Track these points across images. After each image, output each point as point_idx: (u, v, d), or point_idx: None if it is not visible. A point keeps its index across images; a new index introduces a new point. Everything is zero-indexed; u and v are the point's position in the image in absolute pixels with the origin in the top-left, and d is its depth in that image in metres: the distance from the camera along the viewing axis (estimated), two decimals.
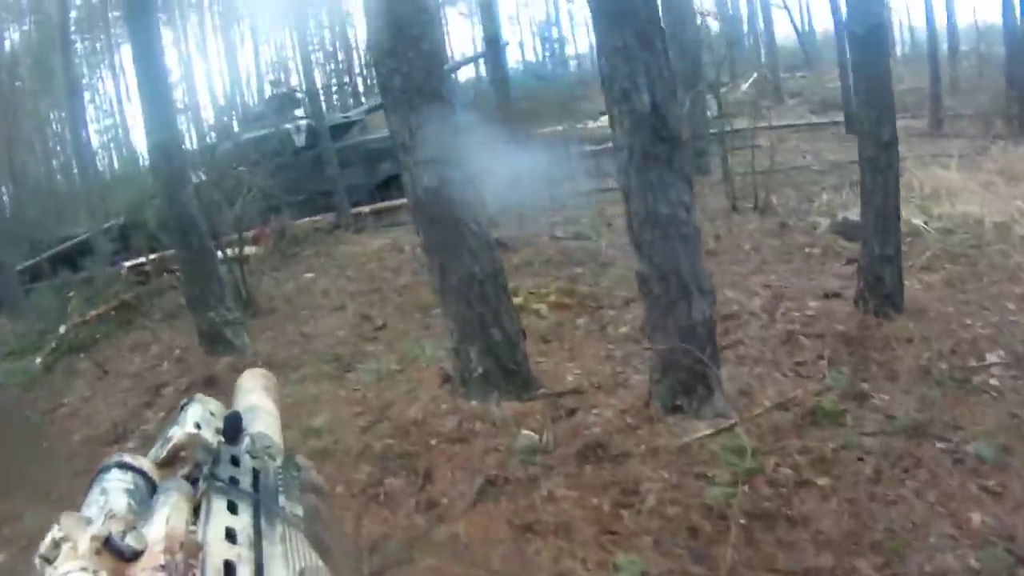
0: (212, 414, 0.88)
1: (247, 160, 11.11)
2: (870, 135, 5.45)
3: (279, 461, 0.85)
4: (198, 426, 0.82)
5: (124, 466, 0.76)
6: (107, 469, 0.75)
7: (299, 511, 0.78)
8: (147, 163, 7.40)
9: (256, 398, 1.06)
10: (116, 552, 0.58)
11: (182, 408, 0.88)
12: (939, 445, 4.45)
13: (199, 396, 0.92)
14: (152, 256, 10.95)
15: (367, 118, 15.53)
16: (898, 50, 24.87)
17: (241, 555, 0.64)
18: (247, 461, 0.81)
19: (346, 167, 13.33)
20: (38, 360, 8.57)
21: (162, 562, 0.59)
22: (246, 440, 0.85)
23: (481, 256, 4.94)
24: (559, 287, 7.78)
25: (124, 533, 0.59)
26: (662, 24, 4.21)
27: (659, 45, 3.99)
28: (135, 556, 0.59)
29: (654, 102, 3.92)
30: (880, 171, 5.47)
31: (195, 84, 29.50)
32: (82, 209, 13.45)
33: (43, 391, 7.94)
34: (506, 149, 10.87)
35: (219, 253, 8.72)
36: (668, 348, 4.15)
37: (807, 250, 8.17)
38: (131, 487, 0.73)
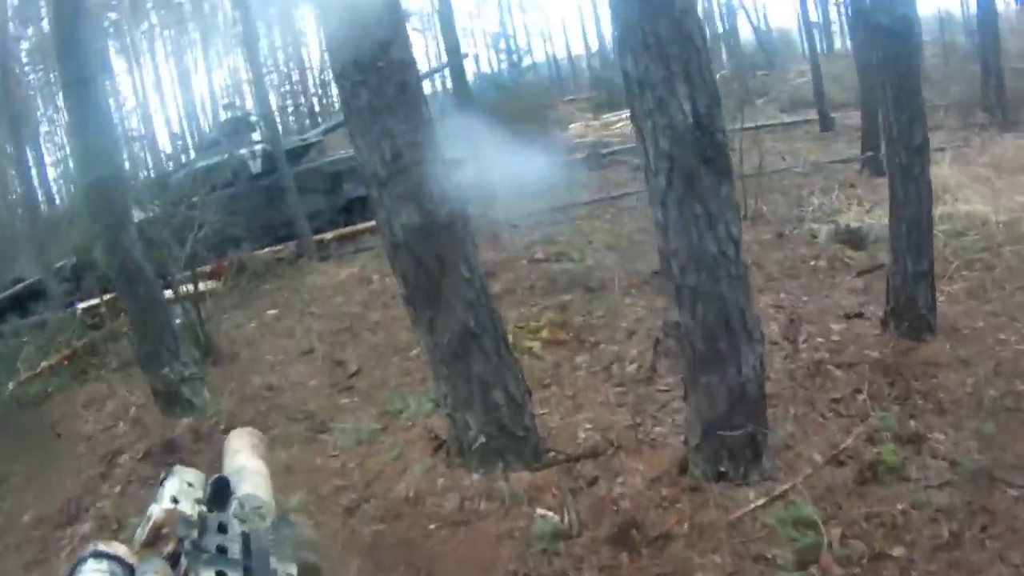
0: (190, 484, 0.88)
1: (201, 190, 10.22)
2: (900, 140, 4.78)
3: (270, 521, 0.84)
4: (175, 500, 0.83)
5: (99, 555, 0.75)
6: (83, 561, 0.75)
7: (293, 572, 0.76)
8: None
9: (244, 458, 1.04)
10: None
11: (161, 483, 0.87)
12: (1011, 492, 3.82)
13: (177, 468, 0.93)
14: (106, 297, 9.96)
15: (324, 139, 14.67)
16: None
17: None
18: (235, 526, 0.80)
19: (306, 192, 12.44)
20: None
21: None
22: (234, 504, 0.86)
23: (478, 307, 4.16)
24: (550, 319, 7.02)
25: None
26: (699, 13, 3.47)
27: (699, 40, 3.23)
28: None
29: (697, 112, 3.16)
30: (912, 179, 4.81)
31: (150, 112, 28.43)
32: (32, 248, 12.38)
33: None
34: (477, 163, 10.18)
35: (171, 293, 7.86)
36: (713, 413, 3.40)
37: (812, 263, 7.51)
38: None
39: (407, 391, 6.04)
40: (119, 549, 0.77)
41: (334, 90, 30.11)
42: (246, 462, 1.05)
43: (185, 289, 8.37)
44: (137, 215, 10.96)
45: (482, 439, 4.10)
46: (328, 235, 12.40)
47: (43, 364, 8.64)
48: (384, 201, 4.05)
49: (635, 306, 7.35)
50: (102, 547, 0.77)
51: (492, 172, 12.48)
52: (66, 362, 8.79)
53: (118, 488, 5.68)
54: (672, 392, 4.97)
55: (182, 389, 6.03)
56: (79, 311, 10.40)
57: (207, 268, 10.87)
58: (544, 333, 6.80)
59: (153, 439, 6.07)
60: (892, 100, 4.74)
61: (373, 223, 13.01)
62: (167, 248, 8.16)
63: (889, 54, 4.76)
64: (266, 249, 11.96)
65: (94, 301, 10.38)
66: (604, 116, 19.68)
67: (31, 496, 6.07)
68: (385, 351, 7.06)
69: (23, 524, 5.67)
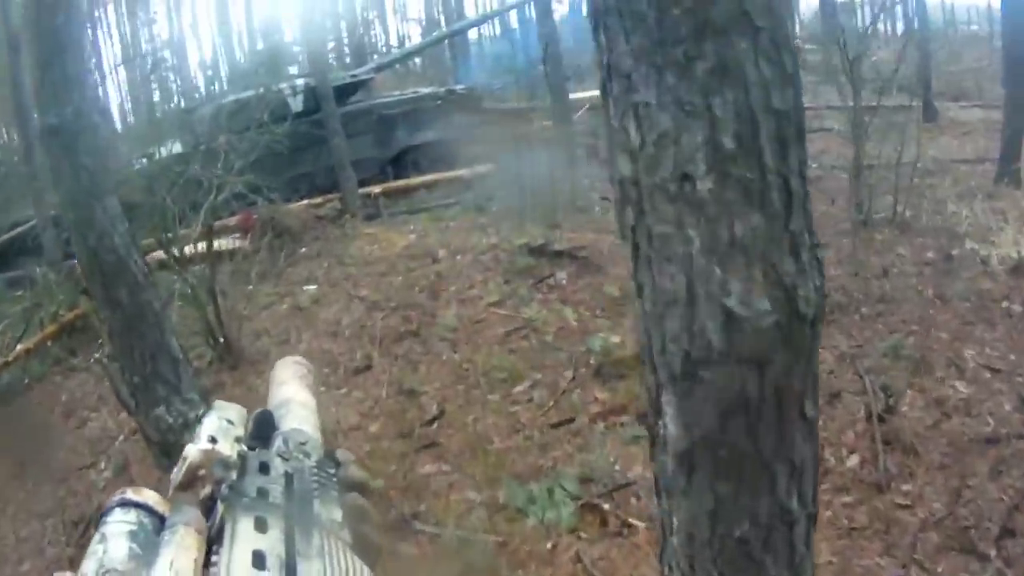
0: (230, 422, 0.74)
1: (230, 128, 7.88)
2: None
3: (315, 459, 0.70)
4: (213, 440, 0.70)
5: (127, 504, 0.64)
6: (109, 511, 0.64)
7: (338, 515, 0.64)
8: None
9: (290, 390, 0.88)
10: None
11: (199, 421, 0.73)
12: None
13: (217, 403, 0.78)
14: None
15: (374, 78, 12.17)
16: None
17: None
18: (278, 465, 0.67)
19: (352, 137, 10.01)
20: None
21: None
22: (278, 441, 0.71)
23: None
24: None
25: None
26: None
27: None
28: None
29: None
30: None
31: (184, 42, 25.67)
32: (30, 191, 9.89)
33: None
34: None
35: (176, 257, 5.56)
36: None
37: (1005, 304, 5.22)
38: (134, 527, 0.62)
39: (523, 464, 3.77)
40: (149, 497, 0.63)
41: (377, 28, 27.37)
42: (292, 394, 0.83)
43: (196, 248, 6.05)
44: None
45: None
46: (376, 189, 10.02)
47: (20, 347, 6.33)
48: None
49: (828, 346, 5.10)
50: (130, 495, 0.63)
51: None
52: (50, 342, 6.50)
53: None
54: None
55: (184, 438, 3.69)
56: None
57: (232, 220, 8.57)
58: None
59: None
60: None
61: (428, 177, 10.84)
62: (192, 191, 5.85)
63: None
64: (303, 202, 9.59)
65: None
66: None
67: None
68: (475, 381, 4.77)
69: None
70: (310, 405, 0.89)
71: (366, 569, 0.59)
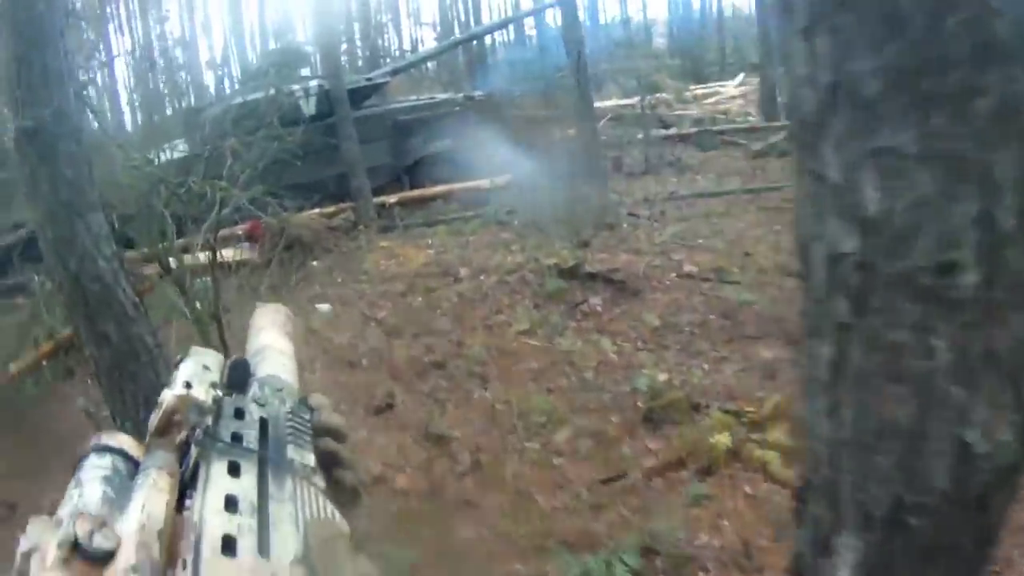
0: (207, 367, 0.71)
1: (239, 130, 7.35)
2: None
3: (290, 404, 0.69)
4: (189, 385, 0.66)
5: (101, 449, 0.62)
6: (85, 457, 0.61)
7: (311, 460, 0.63)
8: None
9: (268, 336, 0.85)
10: (85, 556, 0.47)
11: (176, 366, 0.70)
12: None
13: (194, 348, 0.74)
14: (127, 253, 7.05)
15: (390, 81, 11.62)
16: None
17: (242, 525, 0.52)
18: (253, 411, 0.66)
19: (367, 143, 9.45)
20: None
21: (133, 561, 0.47)
22: (253, 387, 0.70)
23: None
24: (782, 404, 4.14)
25: (92, 533, 0.48)
26: None
27: None
28: (106, 557, 0.47)
29: None
30: None
31: (195, 40, 25.15)
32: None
33: None
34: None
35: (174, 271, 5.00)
36: None
37: None
38: (109, 472, 0.59)
39: (573, 528, 3.22)
40: (124, 441, 0.60)
41: (390, 31, 26.84)
42: (270, 341, 0.82)
43: (200, 258, 5.48)
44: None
45: None
46: (391, 198, 9.48)
47: (13, 367, 5.76)
48: None
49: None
50: (105, 439, 0.60)
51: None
52: (45, 361, 5.94)
53: None
54: None
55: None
56: None
57: (241, 229, 8.04)
58: (778, 433, 3.93)
59: None
60: None
61: (446, 187, 10.30)
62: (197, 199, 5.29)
63: None
64: (315, 210, 9.04)
65: None
66: (692, 87, 16.48)
67: None
68: (510, 425, 4.20)
69: None
70: (287, 352, 0.85)
71: (337, 513, 0.58)
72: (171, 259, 5.28)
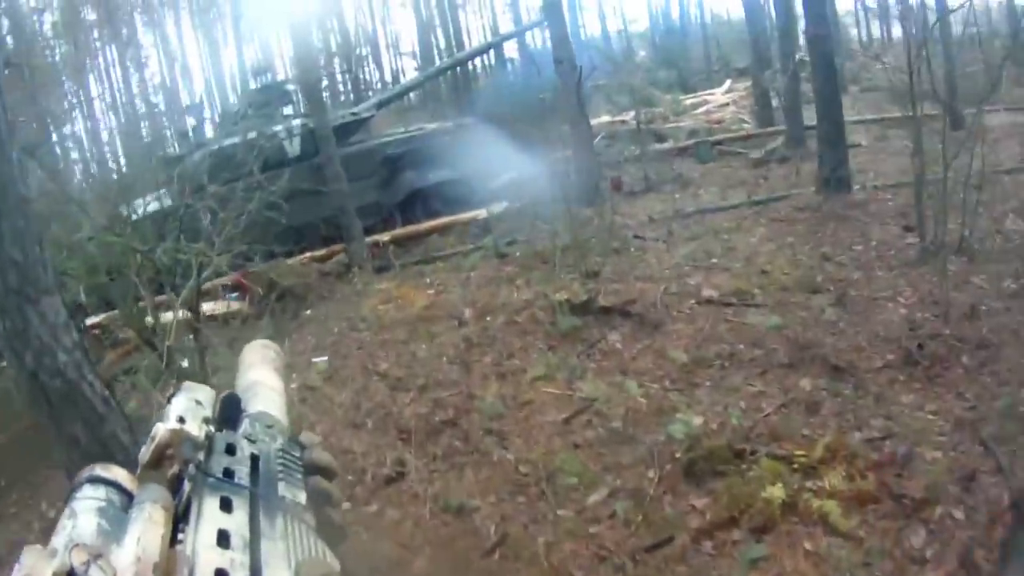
0: (199, 403, 0.73)
1: (218, 180, 6.97)
2: None
3: (281, 442, 0.71)
4: (181, 419, 0.68)
5: (96, 480, 0.62)
6: (79, 487, 0.62)
7: (302, 498, 0.65)
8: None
9: (257, 373, 0.87)
10: None
11: (168, 401, 0.72)
12: None
13: (186, 384, 0.76)
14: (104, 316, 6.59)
15: (376, 114, 11.24)
16: None
17: (235, 561, 0.54)
18: (245, 447, 0.68)
19: (354, 181, 9.06)
20: None
21: None
22: (244, 423, 0.73)
23: None
24: (833, 443, 3.72)
25: (88, 564, 0.50)
26: None
27: None
28: None
29: None
30: None
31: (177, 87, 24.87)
32: None
33: None
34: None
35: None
36: None
37: None
38: (103, 504, 0.60)
39: None
40: (118, 474, 0.61)
41: (369, 64, 26.54)
42: (260, 377, 0.84)
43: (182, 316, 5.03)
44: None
45: None
46: (384, 237, 9.07)
47: None
48: None
49: (921, 411, 4.18)
50: (99, 471, 0.61)
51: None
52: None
53: None
54: None
55: None
56: None
57: (228, 280, 7.63)
58: (834, 479, 3.51)
59: None
60: None
61: (441, 221, 9.89)
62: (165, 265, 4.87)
63: None
64: (305, 255, 8.64)
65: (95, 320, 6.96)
66: (680, 98, 16.14)
67: None
68: (537, 489, 3.76)
69: None
70: (277, 388, 0.86)
71: (328, 551, 0.58)
72: (149, 323, 4.88)
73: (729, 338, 5.08)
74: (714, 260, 6.81)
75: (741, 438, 3.92)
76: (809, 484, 3.48)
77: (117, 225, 5.38)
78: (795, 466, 3.63)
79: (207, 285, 7.54)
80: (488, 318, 5.97)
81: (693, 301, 5.80)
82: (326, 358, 6.08)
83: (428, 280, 7.58)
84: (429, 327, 6.10)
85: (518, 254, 7.66)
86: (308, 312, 7.39)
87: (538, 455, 3.97)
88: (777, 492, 3.42)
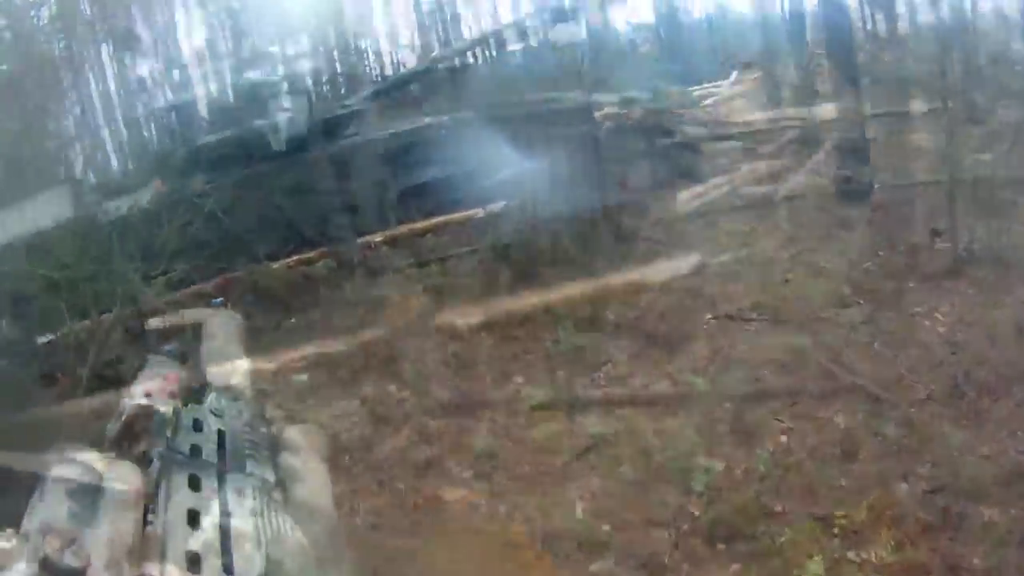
0: (165, 378, 0.75)
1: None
2: None
3: (247, 417, 0.74)
4: (148, 395, 0.71)
5: (66, 462, 0.62)
6: (47, 468, 0.61)
7: (271, 475, 0.55)
8: None
9: (221, 343, 0.67)
10: (55, 574, 0.49)
11: (135, 376, 0.74)
12: None
13: (151, 358, 0.80)
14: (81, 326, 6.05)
15: (370, 107, 10.61)
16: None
17: (206, 542, 0.55)
18: (211, 423, 0.71)
19: (346, 177, 8.47)
20: None
21: None
22: (210, 397, 0.76)
23: None
24: (877, 501, 3.17)
25: (62, 551, 0.50)
26: None
27: None
28: (77, 575, 0.48)
29: None
30: None
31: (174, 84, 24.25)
32: None
33: None
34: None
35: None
36: None
37: None
38: (74, 488, 0.60)
39: None
40: (88, 456, 0.64)
41: (370, 55, 25.88)
42: (223, 347, 0.62)
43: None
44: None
45: None
46: (377, 237, 8.46)
47: None
48: None
49: (972, 454, 3.61)
50: (70, 453, 0.63)
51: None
52: None
53: None
54: None
55: None
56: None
57: (207, 285, 7.11)
58: (881, 548, 2.94)
59: None
60: None
61: (437, 220, 9.28)
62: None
63: None
64: (292, 258, 8.06)
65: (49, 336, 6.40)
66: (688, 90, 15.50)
67: None
68: (533, 555, 3.19)
69: None
70: (241, 359, 0.62)
71: (297, 529, 0.59)
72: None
73: (751, 360, 4.54)
74: (729, 267, 6.23)
75: (770, 490, 3.36)
76: (852, 555, 2.91)
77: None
78: (835, 530, 3.06)
79: (191, 289, 7.07)
80: (483, 333, 5.42)
81: (709, 315, 5.25)
82: (306, 376, 5.53)
83: (421, 286, 7.01)
84: (419, 342, 5.56)
85: (516, 257, 7.08)
86: (292, 321, 6.83)
87: (533, 508, 3.42)
88: (815, 568, 2.86)
